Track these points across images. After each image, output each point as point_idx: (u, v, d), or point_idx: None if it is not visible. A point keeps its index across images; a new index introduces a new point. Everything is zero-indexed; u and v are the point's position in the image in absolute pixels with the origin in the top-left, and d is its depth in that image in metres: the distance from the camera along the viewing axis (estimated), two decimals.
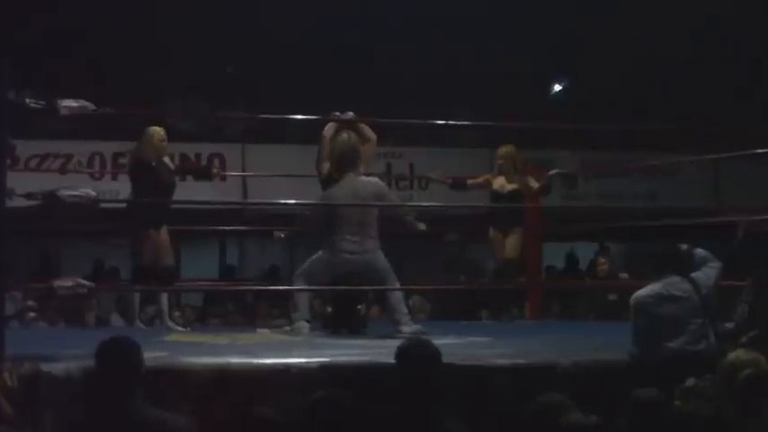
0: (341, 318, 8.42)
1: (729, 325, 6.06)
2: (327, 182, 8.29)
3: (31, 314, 10.67)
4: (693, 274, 6.25)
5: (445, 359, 4.90)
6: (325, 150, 8.42)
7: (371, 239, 8.02)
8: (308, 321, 8.08)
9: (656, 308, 6.08)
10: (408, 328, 7.82)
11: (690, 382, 5.04)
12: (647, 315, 6.09)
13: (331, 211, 8.00)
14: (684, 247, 6.42)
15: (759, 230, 5.84)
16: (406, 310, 8.08)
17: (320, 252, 8.11)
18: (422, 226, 8.34)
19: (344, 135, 8.35)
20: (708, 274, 6.30)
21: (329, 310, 8.64)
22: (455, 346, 6.69)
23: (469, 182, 10.09)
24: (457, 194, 10.42)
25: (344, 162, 8.18)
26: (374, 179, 8.31)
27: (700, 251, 6.45)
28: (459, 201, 10.44)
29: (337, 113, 8.41)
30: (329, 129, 8.49)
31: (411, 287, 10.59)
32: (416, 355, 4.77)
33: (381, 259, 8.04)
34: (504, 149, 9.89)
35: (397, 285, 8.13)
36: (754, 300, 5.78)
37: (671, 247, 6.44)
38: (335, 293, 8.52)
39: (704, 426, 4.53)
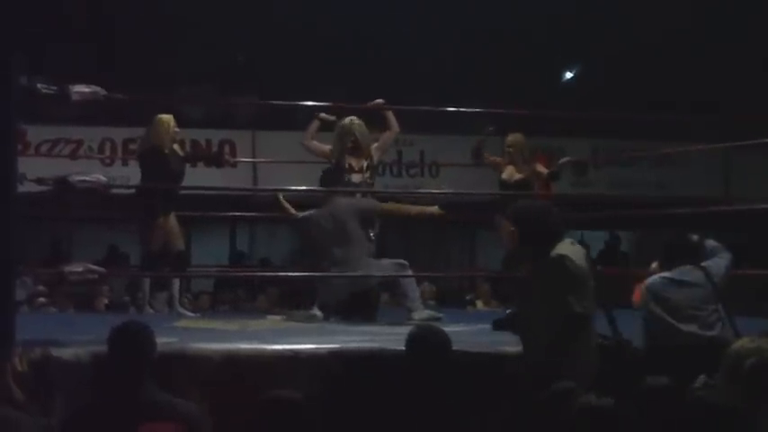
0: (353, 304, 8.45)
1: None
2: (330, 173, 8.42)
3: (42, 300, 10.69)
4: (705, 263, 6.28)
5: (455, 346, 4.90)
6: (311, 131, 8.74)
7: (359, 253, 8.11)
8: (320, 309, 8.17)
9: (668, 293, 6.10)
10: (419, 314, 7.86)
11: (700, 381, 5.02)
12: (659, 300, 6.09)
13: (313, 236, 8.29)
14: (695, 237, 6.44)
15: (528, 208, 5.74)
16: (417, 296, 8.13)
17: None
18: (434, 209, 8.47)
19: (347, 121, 8.51)
20: (719, 263, 6.33)
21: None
22: (465, 333, 6.70)
23: (486, 155, 10.04)
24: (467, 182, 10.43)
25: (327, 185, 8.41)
26: (346, 199, 8.41)
27: (710, 241, 6.49)
28: (469, 188, 10.45)
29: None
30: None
31: (420, 274, 10.58)
32: (426, 342, 4.77)
33: (376, 266, 8.10)
34: (512, 138, 9.85)
35: (405, 267, 8.17)
36: (521, 285, 5.78)
37: (682, 237, 6.46)
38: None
39: (713, 413, 4.53)
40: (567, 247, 5.40)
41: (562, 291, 5.23)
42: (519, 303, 5.59)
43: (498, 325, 5.77)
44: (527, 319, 5.44)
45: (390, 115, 8.71)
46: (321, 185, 8.42)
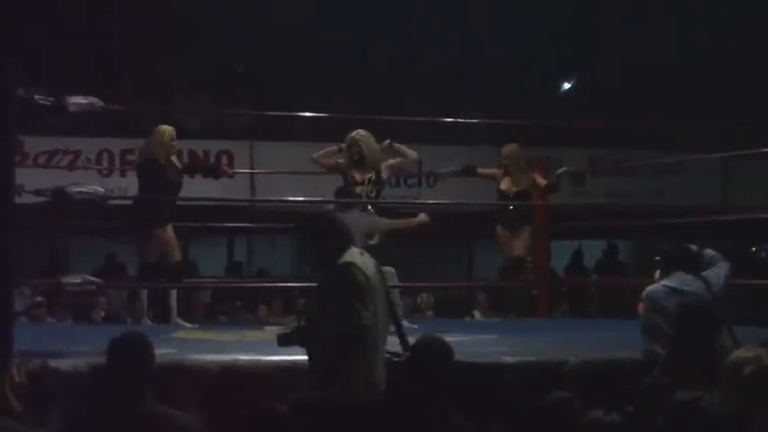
0: None
1: None
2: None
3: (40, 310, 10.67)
4: (704, 273, 6.28)
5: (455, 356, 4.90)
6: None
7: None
8: None
9: (667, 302, 6.08)
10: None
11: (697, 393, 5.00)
12: (659, 310, 6.08)
13: None
14: (694, 247, 6.44)
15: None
16: (399, 305, 8.12)
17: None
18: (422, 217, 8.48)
19: (354, 134, 8.56)
20: (718, 273, 6.33)
21: None
22: (463, 343, 6.69)
23: (479, 170, 10.08)
24: (465, 192, 10.43)
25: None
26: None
27: (709, 251, 6.49)
28: (467, 198, 10.48)
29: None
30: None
31: (413, 284, 10.59)
32: (430, 352, 4.76)
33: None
34: (508, 149, 9.87)
35: (393, 273, 8.14)
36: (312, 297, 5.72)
37: (681, 247, 6.45)
38: None
39: (713, 422, 4.53)
40: (355, 257, 5.28)
41: (345, 301, 5.10)
42: (308, 316, 5.47)
43: (284, 340, 5.49)
44: (315, 331, 5.28)
45: (400, 150, 8.85)
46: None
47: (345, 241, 5.35)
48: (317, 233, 5.39)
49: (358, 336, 5.04)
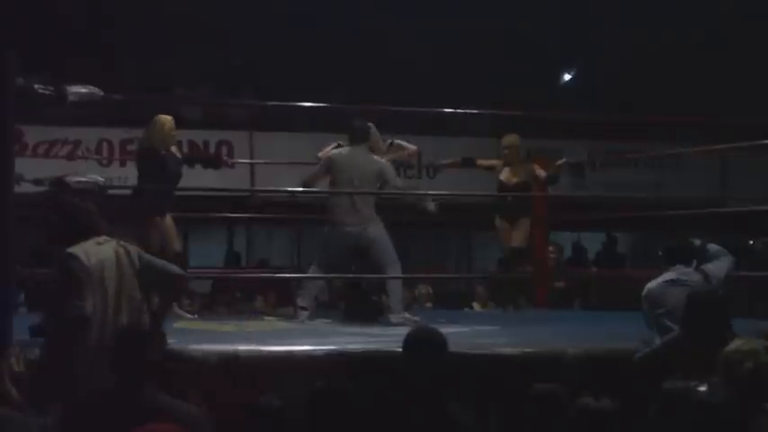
0: (356, 306, 8.47)
1: None
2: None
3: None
4: (705, 266, 6.28)
5: (452, 348, 4.90)
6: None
7: (367, 212, 8.11)
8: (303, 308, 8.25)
9: (666, 295, 6.08)
10: (396, 318, 7.86)
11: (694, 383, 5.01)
12: (659, 303, 6.08)
13: (331, 175, 8.24)
14: (698, 241, 6.45)
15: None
16: (400, 297, 8.12)
17: (324, 230, 8.23)
18: (431, 206, 8.45)
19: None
20: (719, 266, 6.33)
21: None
22: (462, 334, 6.71)
23: (478, 161, 10.08)
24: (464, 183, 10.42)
25: (355, 134, 8.34)
26: (382, 160, 8.37)
27: (712, 245, 6.49)
28: (466, 189, 10.48)
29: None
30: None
31: (414, 275, 10.59)
32: (423, 344, 4.75)
33: (378, 228, 8.09)
34: (508, 139, 9.86)
35: (398, 263, 8.14)
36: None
37: (684, 240, 6.46)
38: (349, 283, 8.57)
39: (712, 411, 4.54)
40: (89, 247, 5.13)
41: (62, 291, 5.03)
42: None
43: (36, 331, 5.49)
44: (49, 321, 5.23)
45: (401, 146, 8.84)
46: None
47: (83, 230, 5.22)
48: (55, 220, 5.33)
49: (73, 326, 4.95)
